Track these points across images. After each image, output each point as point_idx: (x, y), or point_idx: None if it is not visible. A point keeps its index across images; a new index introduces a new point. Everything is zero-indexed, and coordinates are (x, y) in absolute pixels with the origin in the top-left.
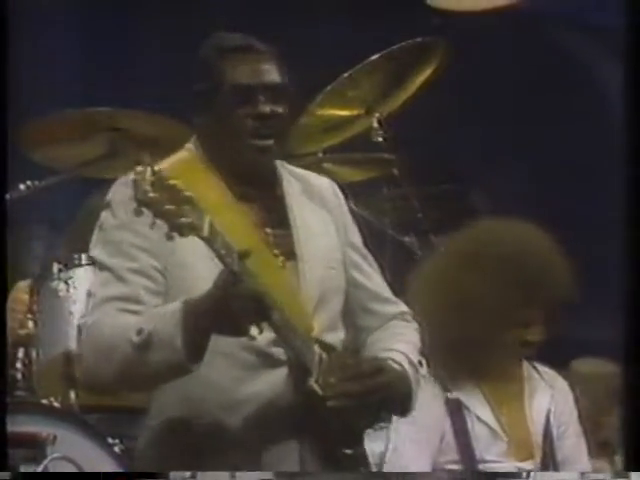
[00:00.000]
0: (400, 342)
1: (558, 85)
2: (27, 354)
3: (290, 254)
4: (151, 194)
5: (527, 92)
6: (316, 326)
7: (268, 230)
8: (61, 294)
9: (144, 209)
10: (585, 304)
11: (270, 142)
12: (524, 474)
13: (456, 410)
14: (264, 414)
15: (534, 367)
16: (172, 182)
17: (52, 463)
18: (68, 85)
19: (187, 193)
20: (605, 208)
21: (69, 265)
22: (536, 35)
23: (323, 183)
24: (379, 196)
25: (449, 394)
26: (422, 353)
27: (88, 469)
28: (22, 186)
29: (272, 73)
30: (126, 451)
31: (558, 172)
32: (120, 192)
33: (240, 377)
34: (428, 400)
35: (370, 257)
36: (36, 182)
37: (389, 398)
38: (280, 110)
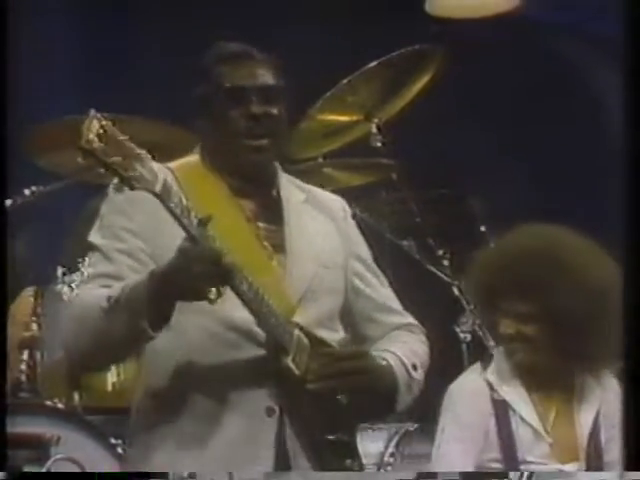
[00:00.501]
0: (396, 345)
1: (555, 92)
2: (32, 356)
3: (279, 247)
4: (95, 144)
5: (525, 98)
6: (300, 316)
7: (260, 224)
8: (65, 297)
9: (89, 158)
10: None
11: (264, 142)
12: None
13: (501, 410)
14: (242, 389)
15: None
16: (122, 137)
17: (56, 463)
18: (69, 90)
19: (139, 151)
20: (605, 212)
21: (72, 269)
22: (533, 43)
23: (334, 199)
24: (378, 200)
25: (495, 394)
26: (424, 365)
27: (91, 469)
28: (26, 191)
29: (266, 76)
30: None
31: (557, 177)
32: (117, 184)
33: (222, 354)
34: (474, 399)
35: (377, 269)
36: (40, 187)
37: (370, 388)
38: (274, 111)
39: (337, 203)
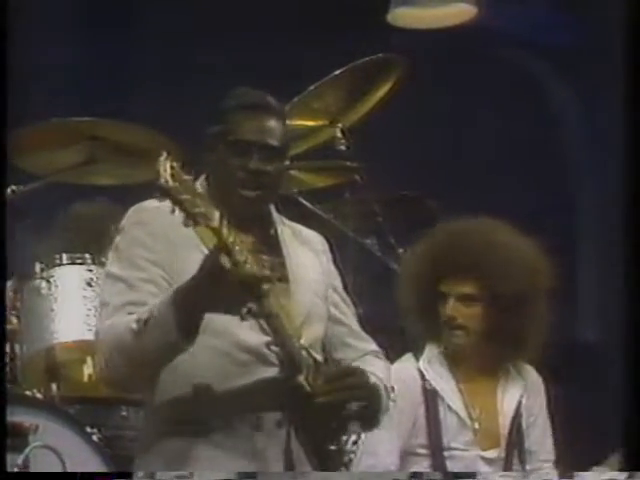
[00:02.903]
0: (374, 368)
1: (510, 98)
2: (12, 348)
3: (282, 277)
4: (171, 184)
5: (481, 104)
6: (304, 338)
7: (263, 257)
8: (43, 292)
9: (165, 195)
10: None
11: (258, 193)
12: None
13: (431, 399)
14: (254, 406)
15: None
16: (186, 177)
17: (34, 451)
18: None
19: (200, 189)
20: (559, 211)
21: (50, 265)
22: (489, 52)
23: (313, 234)
24: (342, 201)
25: (427, 384)
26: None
27: (68, 457)
28: (8, 191)
29: (274, 134)
30: (104, 439)
31: (513, 180)
32: (133, 217)
33: (235, 373)
34: (406, 387)
35: (348, 300)
36: (21, 187)
37: (363, 400)
38: (270, 169)
39: (317, 237)
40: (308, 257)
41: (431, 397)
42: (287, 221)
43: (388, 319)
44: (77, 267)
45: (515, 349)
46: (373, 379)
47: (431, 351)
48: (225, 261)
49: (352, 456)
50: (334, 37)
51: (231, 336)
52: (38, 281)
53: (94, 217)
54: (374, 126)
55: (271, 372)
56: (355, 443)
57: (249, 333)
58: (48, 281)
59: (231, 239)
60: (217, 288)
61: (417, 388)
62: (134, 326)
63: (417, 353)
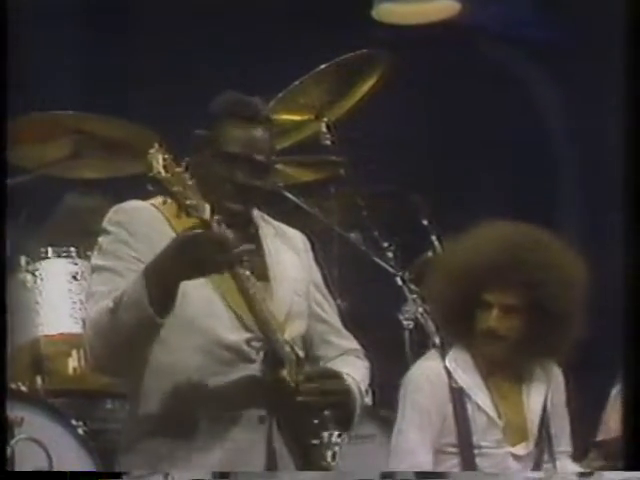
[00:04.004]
0: (353, 370)
1: (494, 93)
2: None
3: (263, 276)
4: (163, 175)
5: (465, 99)
6: (287, 334)
7: (245, 258)
8: (28, 285)
9: (157, 187)
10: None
11: (241, 207)
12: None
13: (458, 397)
14: (237, 402)
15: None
16: (178, 169)
17: (19, 444)
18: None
19: (190, 182)
20: (545, 206)
21: (35, 258)
22: (473, 47)
23: (295, 233)
24: (327, 195)
25: (453, 382)
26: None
27: (53, 450)
28: None
29: (262, 147)
30: (89, 432)
31: (493, 174)
32: (113, 218)
33: (217, 371)
34: (433, 386)
35: (330, 297)
36: (8, 180)
37: (339, 406)
38: (257, 183)
39: (298, 236)
40: (289, 255)
41: (458, 395)
42: (268, 219)
43: (371, 313)
44: (62, 260)
45: (547, 355)
46: (349, 382)
47: (457, 350)
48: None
49: (336, 449)
50: (319, 32)
51: (212, 334)
52: (23, 274)
53: (80, 211)
54: (359, 121)
55: (253, 369)
56: (340, 436)
57: (230, 331)
58: (33, 274)
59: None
60: (187, 255)
61: (444, 387)
62: (110, 305)
63: (443, 351)
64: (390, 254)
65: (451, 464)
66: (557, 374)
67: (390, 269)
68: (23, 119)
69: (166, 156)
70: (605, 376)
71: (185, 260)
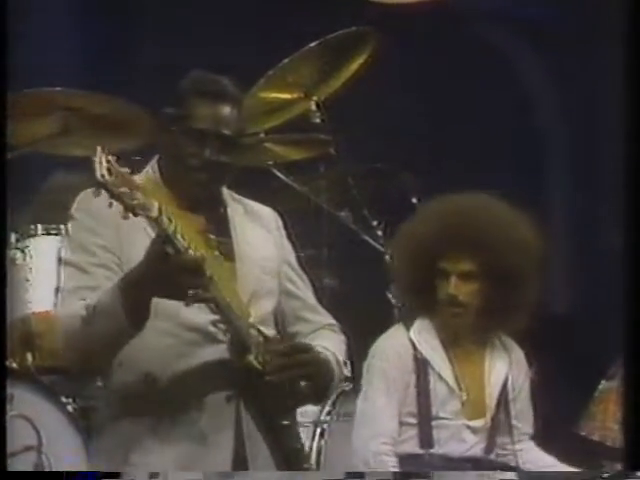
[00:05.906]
0: (328, 343)
1: (483, 72)
2: None
3: (229, 256)
4: (107, 177)
5: (454, 78)
6: (252, 315)
7: (211, 236)
8: (18, 262)
9: (102, 191)
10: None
11: (210, 182)
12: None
13: (422, 367)
14: (204, 384)
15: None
16: (123, 170)
17: (9, 421)
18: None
19: (138, 181)
20: (534, 187)
21: (25, 235)
22: (463, 26)
23: (266, 210)
24: (317, 174)
25: (418, 353)
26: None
27: (42, 427)
28: None
29: (229, 123)
30: (78, 410)
31: (484, 152)
32: (80, 204)
33: (183, 353)
34: (399, 356)
35: (304, 275)
36: None
37: (315, 377)
38: (224, 159)
39: (270, 214)
40: (259, 234)
41: (422, 366)
42: (238, 197)
43: (361, 291)
44: (52, 238)
45: (504, 321)
46: (324, 354)
47: (421, 322)
48: (168, 248)
49: (325, 427)
50: (308, 10)
51: (177, 316)
52: (13, 251)
53: (69, 188)
54: (348, 99)
55: (220, 350)
56: (329, 414)
57: (195, 312)
58: (23, 251)
59: (172, 228)
60: (161, 274)
61: (409, 357)
62: (83, 313)
63: (407, 323)
64: (379, 232)
65: (408, 435)
66: (518, 352)
67: (379, 247)
68: (12, 96)
69: (109, 158)
70: (593, 371)
71: (159, 282)
